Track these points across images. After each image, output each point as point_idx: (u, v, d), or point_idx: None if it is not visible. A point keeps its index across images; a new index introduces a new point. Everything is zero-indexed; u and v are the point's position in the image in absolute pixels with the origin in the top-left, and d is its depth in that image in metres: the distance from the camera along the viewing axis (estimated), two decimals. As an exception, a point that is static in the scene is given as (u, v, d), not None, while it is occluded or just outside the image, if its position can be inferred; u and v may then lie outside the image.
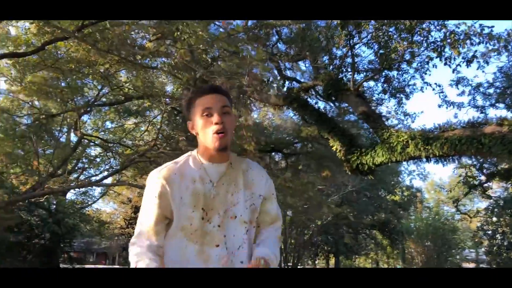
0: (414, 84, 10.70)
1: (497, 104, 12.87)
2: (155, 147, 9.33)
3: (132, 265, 1.62)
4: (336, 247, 33.81)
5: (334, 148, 7.40)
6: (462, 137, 5.84)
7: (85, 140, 14.04)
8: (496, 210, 19.68)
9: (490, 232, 20.36)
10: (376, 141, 7.98)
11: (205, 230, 1.65)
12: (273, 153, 18.71)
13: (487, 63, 7.88)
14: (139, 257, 1.62)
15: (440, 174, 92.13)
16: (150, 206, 1.66)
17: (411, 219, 33.99)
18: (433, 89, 8.62)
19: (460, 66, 7.24)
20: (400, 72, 11.67)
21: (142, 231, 1.67)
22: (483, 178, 14.07)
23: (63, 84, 12.15)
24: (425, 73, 11.17)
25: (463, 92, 12.04)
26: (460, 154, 6.11)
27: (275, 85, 10.26)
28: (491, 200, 19.91)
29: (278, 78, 10.64)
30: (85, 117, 16.11)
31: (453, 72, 7.54)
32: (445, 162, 6.42)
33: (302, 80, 12.43)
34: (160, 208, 1.65)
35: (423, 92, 12.07)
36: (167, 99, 11.88)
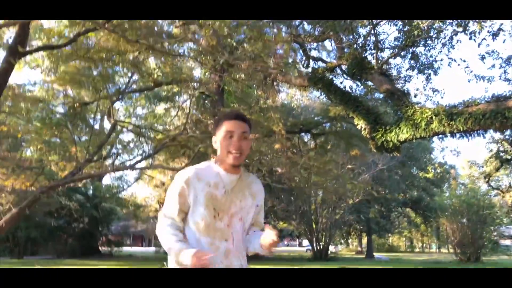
0: (442, 60, 10.57)
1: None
2: (185, 131, 9.61)
3: (162, 237, 2.04)
4: (368, 226, 33.75)
5: (359, 126, 7.49)
6: (486, 112, 5.84)
7: (118, 126, 14.50)
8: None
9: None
10: (401, 119, 8.05)
11: (216, 226, 2.02)
12: (301, 134, 18.79)
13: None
14: (165, 231, 2.04)
15: (476, 149, 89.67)
16: (173, 201, 2.05)
17: (444, 196, 33.53)
18: (458, 65, 8.50)
19: (486, 39, 7.14)
20: (427, 48, 11.55)
21: (166, 215, 2.08)
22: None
23: (94, 73, 12.55)
24: (452, 48, 11.04)
25: (493, 66, 11.77)
26: (485, 129, 6.11)
27: (299, 66, 10.33)
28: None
29: (304, 58, 10.69)
30: (117, 104, 16.61)
31: (478, 46, 7.45)
32: (470, 137, 6.44)
33: (328, 59, 12.45)
34: (179, 204, 2.02)
35: (450, 67, 11.89)
36: (195, 84, 12.14)
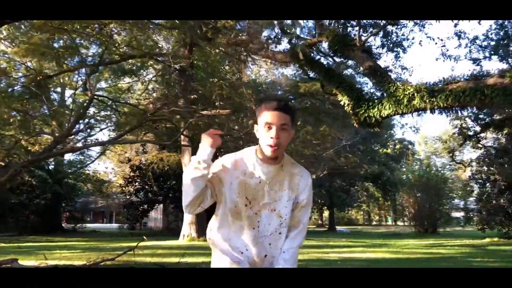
0: (413, 38, 10.91)
1: (492, 57, 13.11)
2: (166, 106, 9.53)
3: (186, 181, 2.02)
4: (331, 200, 34.70)
5: (342, 102, 7.68)
6: (466, 89, 6.15)
7: (80, 100, 14.06)
8: (486, 160, 20.34)
9: (481, 181, 21.07)
10: (371, 94, 8.37)
11: (247, 214, 2.06)
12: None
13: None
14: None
15: (432, 126, 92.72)
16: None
17: (403, 171, 34.90)
18: (436, 43, 8.81)
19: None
20: (398, 27, 11.86)
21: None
22: (477, 129, 14.57)
23: (55, 45, 12.11)
24: (423, 27, 11.39)
25: (460, 45, 12.27)
26: (464, 105, 6.43)
27: (283, 42, 10.35)
28: (482, 151, 20.55)
29: (280, 35, 10.72)
30: (77, 77, 16.03)
31: (455, 26, 7.75)
32: (448, 113, 6.77)
33: (301, 35, 12.53)
34: (211, 177, 2.05)
35: (421, 45, 12.28)
36: (170, 58, 11.92)
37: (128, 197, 27.51)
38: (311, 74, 10.48)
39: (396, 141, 38.29)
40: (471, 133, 15.21)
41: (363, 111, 7.22)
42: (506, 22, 12.71)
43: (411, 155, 40.43)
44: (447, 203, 28.40)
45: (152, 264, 9.72)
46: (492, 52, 13.13)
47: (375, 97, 7.94)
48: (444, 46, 9.65)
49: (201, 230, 18.52)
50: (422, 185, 26.64)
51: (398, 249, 15.19)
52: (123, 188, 27.59)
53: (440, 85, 6.48)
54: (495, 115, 12.65)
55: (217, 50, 10.29)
